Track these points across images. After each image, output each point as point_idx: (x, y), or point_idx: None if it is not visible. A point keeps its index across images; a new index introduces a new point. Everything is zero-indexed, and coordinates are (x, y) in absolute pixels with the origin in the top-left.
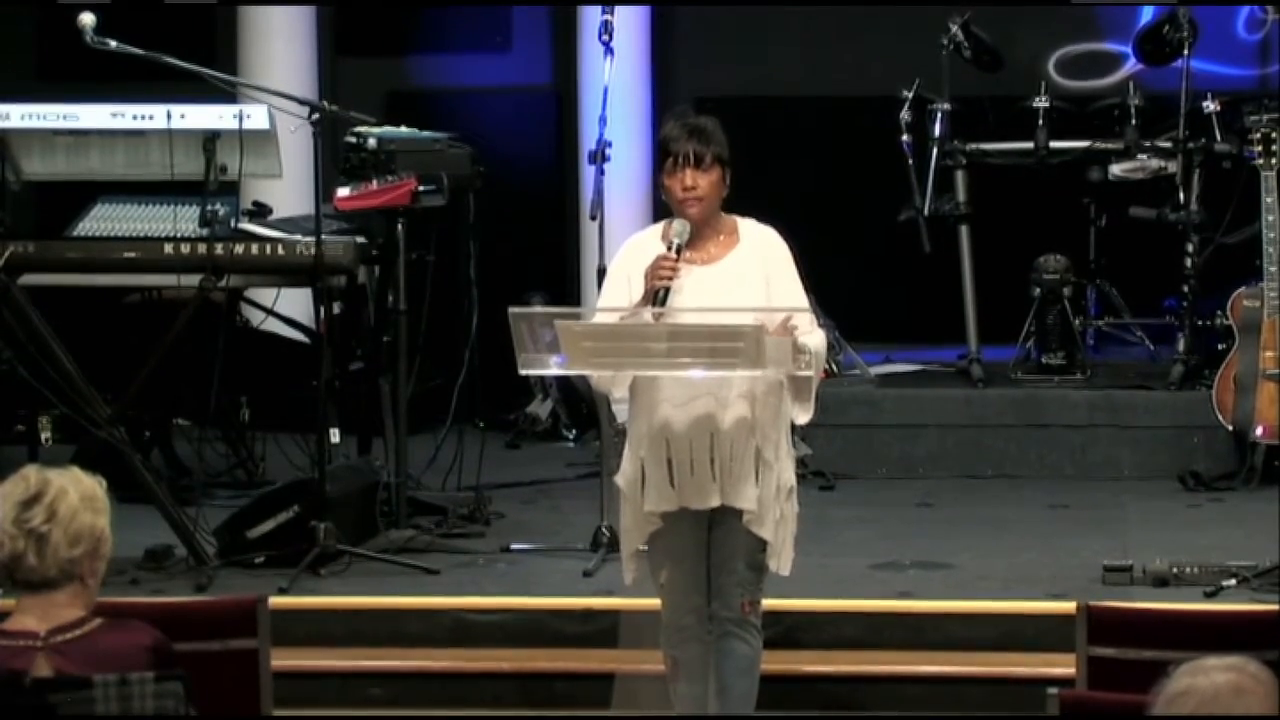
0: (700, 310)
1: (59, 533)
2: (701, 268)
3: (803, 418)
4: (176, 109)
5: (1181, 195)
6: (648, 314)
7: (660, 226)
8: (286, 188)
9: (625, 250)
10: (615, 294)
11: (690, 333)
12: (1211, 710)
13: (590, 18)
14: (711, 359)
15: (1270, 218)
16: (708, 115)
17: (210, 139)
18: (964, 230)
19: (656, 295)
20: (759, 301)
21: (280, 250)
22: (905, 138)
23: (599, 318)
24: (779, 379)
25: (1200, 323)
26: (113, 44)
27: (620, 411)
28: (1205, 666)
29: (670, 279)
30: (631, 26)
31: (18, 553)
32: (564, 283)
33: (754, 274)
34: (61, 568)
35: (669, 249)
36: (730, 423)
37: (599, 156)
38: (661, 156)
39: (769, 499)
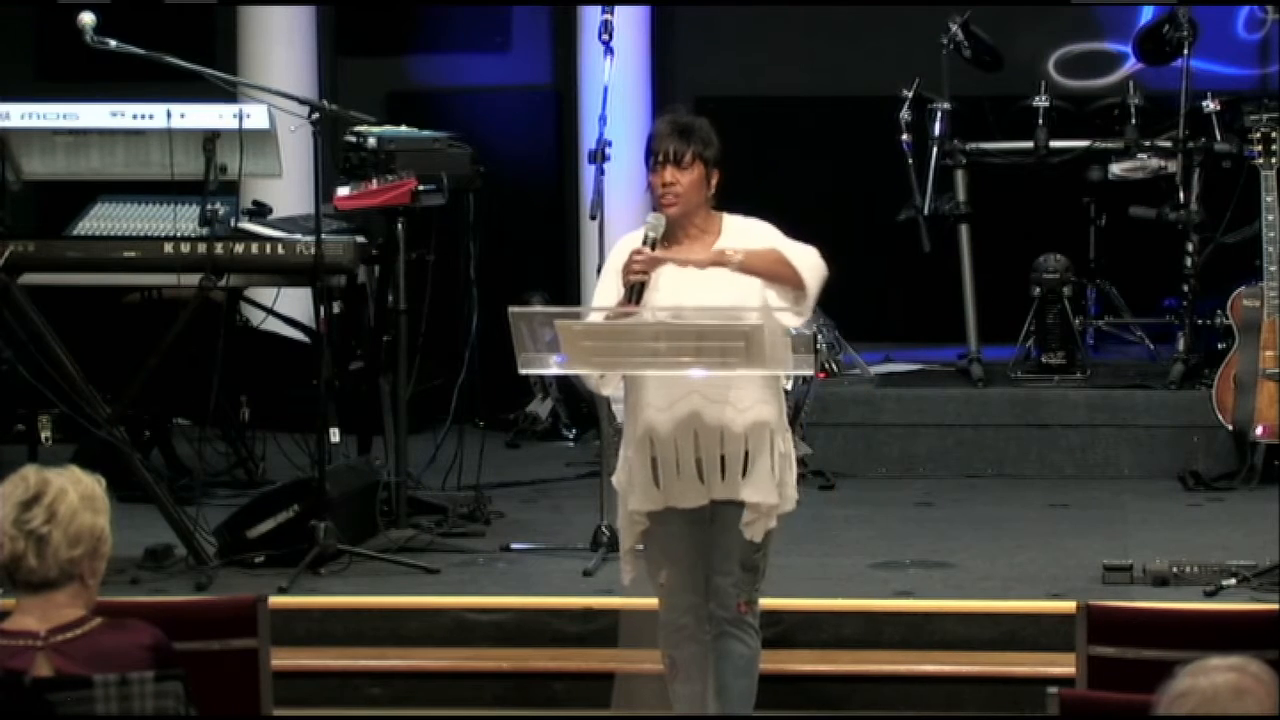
0: (673, 308)
1: (59, 534)
2: (680, 268)
3: (790, 319)
4: (176, 108)
5: (1181, 195)
6: (646, 313)
7: None
8: (286, 187)
9: (616, 249)
10: (606, 292)
11: (689, 332)
12: (1211, 710)
13: (590, 17)
14: (711, 358)
15: (1270, 217)
16: (698, 115)
17: (210, 138)
18: (964, 230)
19: (631, 290)
20: (734, 297)
21: (280, 250)
22: (905, 137)
23: (590, 317)
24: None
25: (1200, 322)
26: (113, 44)
27: (620, 411)
28: (1207, 667)
29: (644, 273)
30: (631, 26)
31: (18, 554)
32: (564, 283)
33: (730, 273)
34: (62, 568)
35: (644, 243)
36: (716, 420)
37: (599, 156)
38: (647, 154)
39: (783, 478)
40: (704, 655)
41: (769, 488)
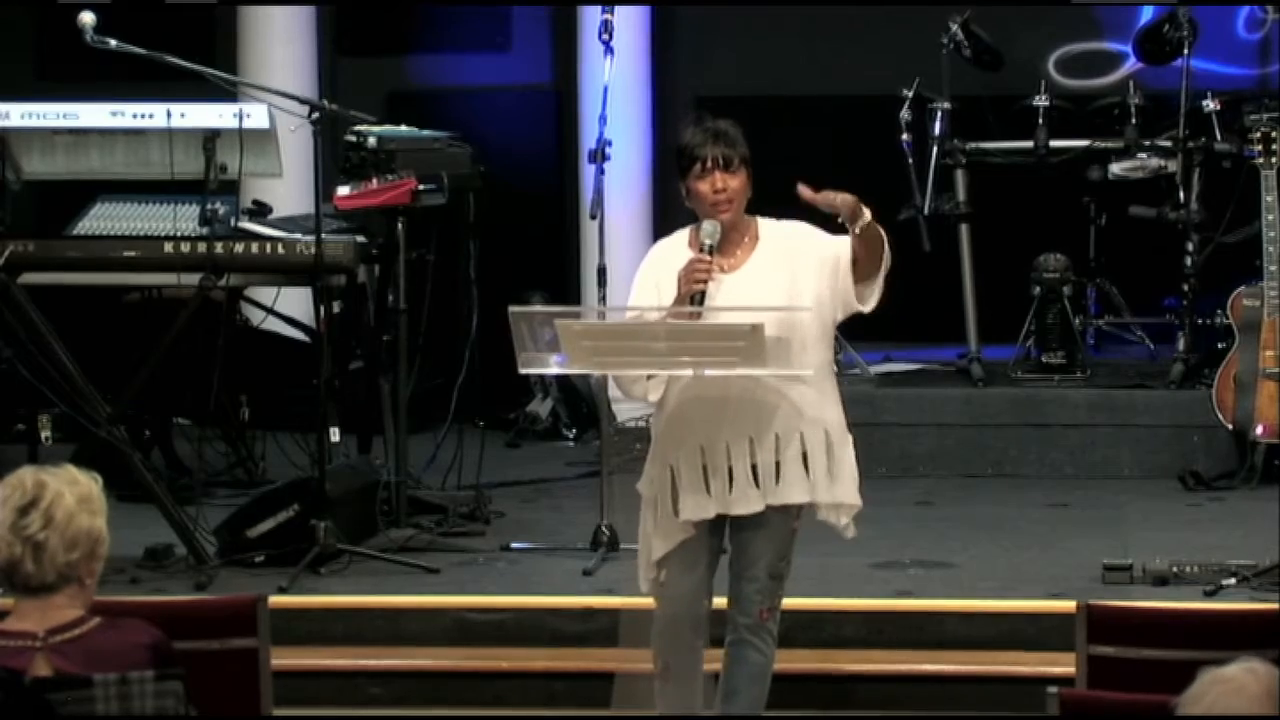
0: (731, 309)
1: (56, 539)
2: (726, 275)
3: (868, 305)
4: (176, 108)
5: (1181, 194)
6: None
7: (685, 232)
8: (286, 187)
9: (652, 257)
10: (643, 300)
11: (690, 332)
12: (1212, 711)
13: (590, 17)
14: (711, 358)
15: (1270, 217)
16: (725, 119)
17: (210, 138)
18: (964, 229)
19: (693, 298)
20: (783, 300)
21: (280, 249)
22: (905, 137)
23: (619, 318)
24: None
25: (1200, 322)
26: (113, 43)
27: (620, 411)
28: (1221, 672)
29: (706, 281)
30: (631, 26)
31: (15, 559)
32: (564, 282)
33: (776, 275)
34: (59, 572)
35: (702, 250)
36: (771, 423)
37: (599, 156)
38: (686, 162)
39: (848, 476)
40: (698, 661)
41: (854, 487)
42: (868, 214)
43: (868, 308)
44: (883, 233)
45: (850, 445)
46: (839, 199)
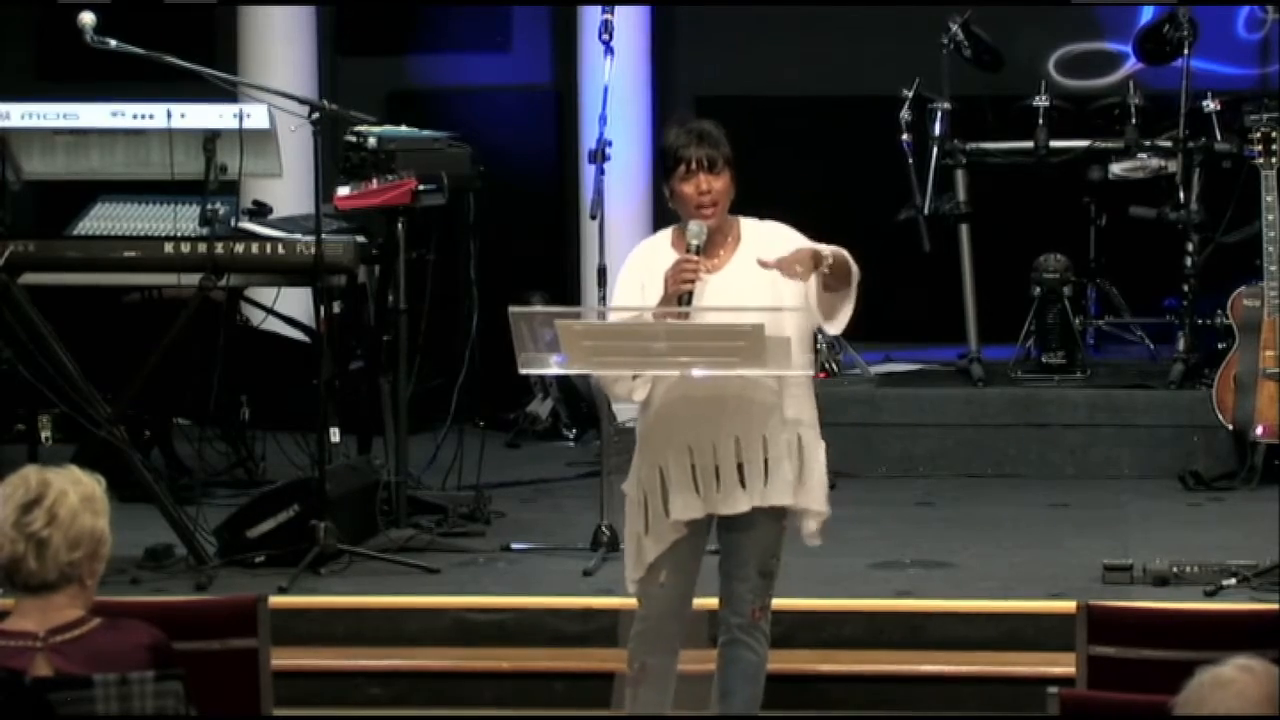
0: (718, 310)
1: (59, 536)
2: (710, 275)
3: (835, 328)
4: (176, 108)
5: (1181, 194)
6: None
7: (668, 232)
8: (286, 187)
9: (635, 257)
10: (628, 301)
11: (690, 332)
12: (1215, 713)
13: (590, 17)
14: (711, 358)
15: (1270, 217)
16: (709, 119)
17: (210, 138)
18: (964, 230)
19: (680, 299)
20: (766, 301)
21: (280, 249)
22: (905, 137)
23: (614, 319)
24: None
25: (1200, 322)
26: (113, 43)
27: (620, 411)
28: (1220, 674)
29: (694, 281)
30: (631, 26)
31: (17, 556)
32: (564, 282)
33: (759, 275)
34: (61, 571)
35: (689, 251)
36: (758, 424)
37: (599, 156)
38: (670, 164)
39: (817, 482)
40: (675, 664)
41: (822, 494)
42: (827, 253)
43: (833, 329)
44: (848, 257)
45: (822, 452)
46: (796, 262)
